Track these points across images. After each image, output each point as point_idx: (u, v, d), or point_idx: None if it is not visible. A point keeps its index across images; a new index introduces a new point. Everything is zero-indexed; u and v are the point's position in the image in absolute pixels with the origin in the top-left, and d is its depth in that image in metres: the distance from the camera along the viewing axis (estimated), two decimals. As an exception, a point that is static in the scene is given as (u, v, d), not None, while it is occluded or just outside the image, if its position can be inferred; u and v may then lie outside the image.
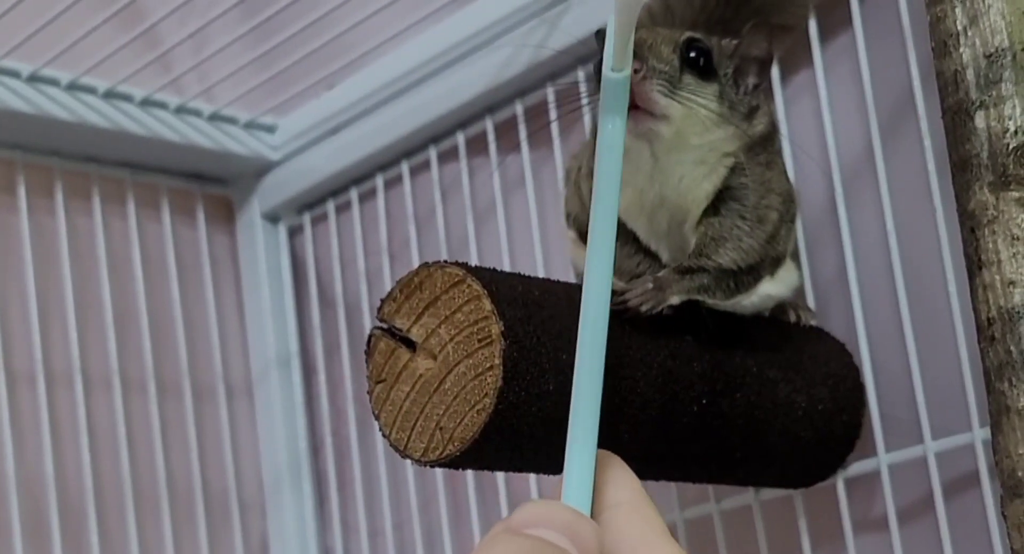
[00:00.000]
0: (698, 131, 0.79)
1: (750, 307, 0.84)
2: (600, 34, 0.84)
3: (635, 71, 0.77)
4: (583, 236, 0.89)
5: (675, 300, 0.79)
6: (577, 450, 0.46)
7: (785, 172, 0.86)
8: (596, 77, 0.81)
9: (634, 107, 0.78)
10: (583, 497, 0.45)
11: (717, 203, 0.81)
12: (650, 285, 0.79)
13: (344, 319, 1.21)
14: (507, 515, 0.44)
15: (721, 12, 0.89)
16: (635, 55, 0.77)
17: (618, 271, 0.86)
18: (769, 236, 0.82)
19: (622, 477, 0.47)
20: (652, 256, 0.84)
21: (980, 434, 0.84)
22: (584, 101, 0.85)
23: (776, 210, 0.83)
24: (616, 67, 0.46)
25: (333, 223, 1.23)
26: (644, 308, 0.78)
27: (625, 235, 0.85)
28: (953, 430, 0.87)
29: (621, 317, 0.78)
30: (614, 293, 0.79)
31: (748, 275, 0.83)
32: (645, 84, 0.77)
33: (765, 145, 0.83)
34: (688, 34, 0.80)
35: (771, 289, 0.85)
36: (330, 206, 1.23)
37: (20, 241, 1.13)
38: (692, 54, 0.80)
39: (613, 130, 0.47)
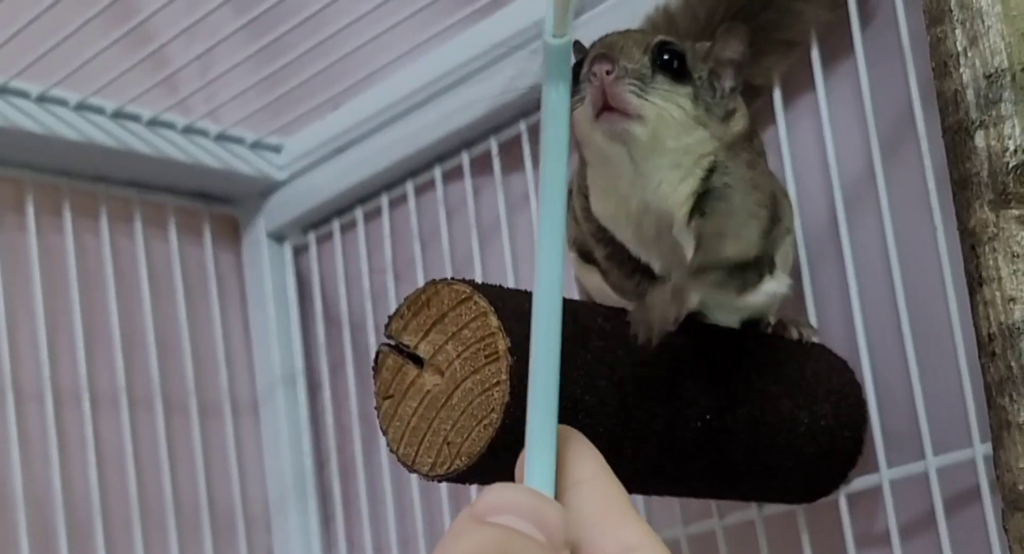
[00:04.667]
0: (674, 133, 0.79)
1: (756, 309, 0.84)
2: (576, 44, 0.84)
3: (607, 72, 0.78)
4: (583, 256, 0.90)
5: (695, 299, 0.79)
6: (538, 428, 0.44)
7: (770, 173, 0.86)
8: (575, 80, 0.81)
9: (607, 108, 0.78)
10: (546, 477, 0.43)
11: (702, 205, 0.81)
12: (668, 296, 0.77)
13: (349, 337, 1.22)
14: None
15: None
16: (606, 57, 0.78)
17: (619, 291, 0.87)
18: (763, 230, 0.82)
19: (584, 453, 0.45)
20: (648, 273, 0.85)
21: (981, 449, 0.85)
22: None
23: (764, 207, 0.82)
24: (556, 33, 0.46)
25: (338, 242, 1.23)
26: (672, 321, 0.76)
27: (620, 253, 0.85)
28: (954, 446, 0.87)
29: (649, 341, 0.76)
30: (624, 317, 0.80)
31: (753, 271, 0.82)
32: (616, 85, 0.77)
33: (745, 145, 0.83)
34: (661, 37, 0.81)
35: (774, 287, 0.85)
36: (335, 225, 1.24)
37: (28, 260, 1.14)
38: (665, 57, 0.80)
39: (558, 97, 0.46)
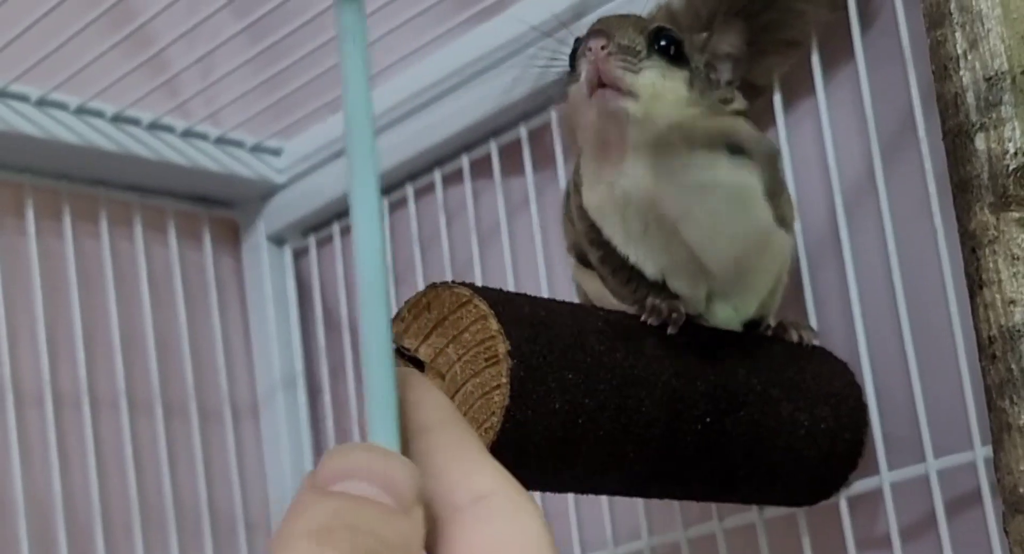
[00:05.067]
0: (667, 113, 0.79)
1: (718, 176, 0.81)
2: (579, 41, 0.84)
3: (601, 47, 0.78)
4: (581, 260, 0.89)
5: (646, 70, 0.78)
6: (374, 373, 0.41)
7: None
8: (571, 68, 0.81)
9: (601, 85, 0.78)
10: (389, 429, 0.40)
11: None
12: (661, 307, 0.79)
13: (349, 340, 1.22)
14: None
15: None
16: (601, 33, 0.78)
17: (619, 296, 0.86)
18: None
19: (428, 398, 0.42)
20: (643, 278, 0.84)
21: (982, 452, 0.85)
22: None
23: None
24: None
25: (338, 245, 1.23)
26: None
27: (613, 257, 0.84)
28: (955, 448, 0.87)
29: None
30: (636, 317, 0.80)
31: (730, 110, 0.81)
32: (610, 61, 0.77)
33: None
34: (659, 23, 0.81)
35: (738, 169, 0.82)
36: (335, 228, 1.24)
37: (28, 264, 1.14)
38: (662, 42, 0.79)
39: (350, 16, 0.43)
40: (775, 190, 0.84)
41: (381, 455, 0.39)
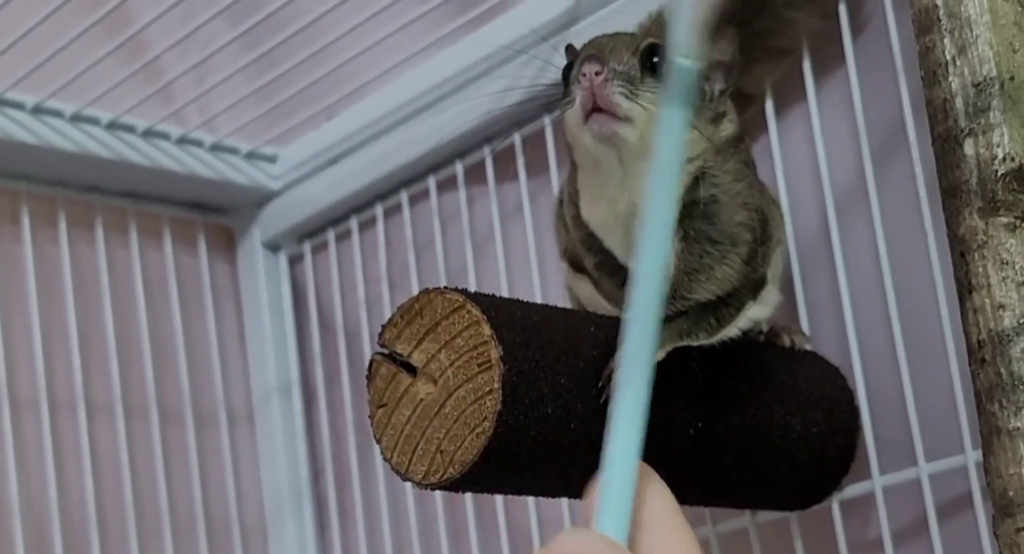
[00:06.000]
0: None
1: (737, 333, 0.83)
2: (569, 47, 0.85)
3: (596, 73, 0.78)
4: (574, 265, 0.90)
5: (660, 356, 0.78)
6: (617, 470, 0.43)
7: (757, 187, 0.85)
8: (564, 83, 0.82)
9: (596, 110, 0.79)
10: (620, 523, 0.43)
11: (687, 220, 0.81)
12: None
13: (344, 346, 1.22)
14: (543, 543, 0.42)
15: None
16: (595, 58, 0.78)
17: (611, 300, 0.87)
18: (745, 259, 0.81)
19: (658, 494, 0.45)
20: None
21: (973, 456, 0.85)
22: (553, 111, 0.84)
23: (749, 228, 0.82)
24: (687, 54, 0.43)
25: (333, 251, 1.24)
26: None
27: (610, 262, 0.85)
28: (946, 452, 0.88)
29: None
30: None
31: (729, 306, 0.82)
32: (605, 86, 0.78)
33: (733, 152, 0.83)
34: (650, 39, 0.81)
35: (756, 313, 0.84)
36: (330, 235, 1.24)
37: (24, 270, 1.14)
38: (655, 59, 0.80)
39: (674, 120, 0.43)
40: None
41: (611, 547, 0.42)
